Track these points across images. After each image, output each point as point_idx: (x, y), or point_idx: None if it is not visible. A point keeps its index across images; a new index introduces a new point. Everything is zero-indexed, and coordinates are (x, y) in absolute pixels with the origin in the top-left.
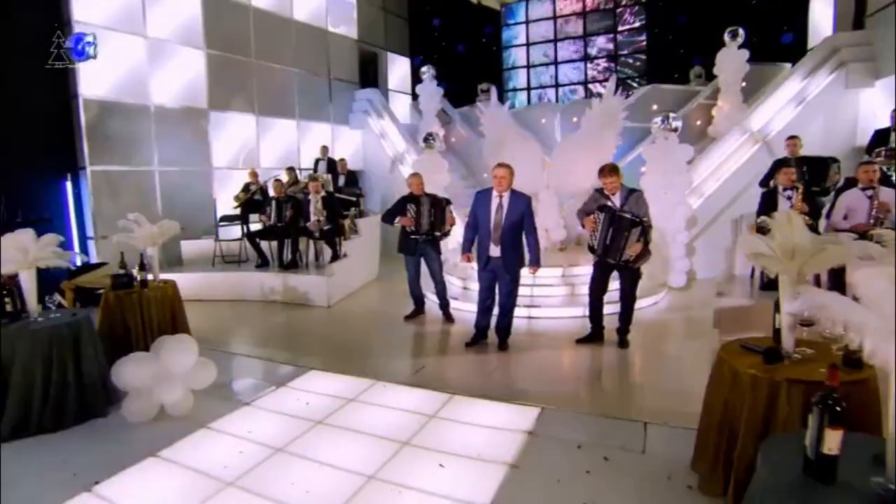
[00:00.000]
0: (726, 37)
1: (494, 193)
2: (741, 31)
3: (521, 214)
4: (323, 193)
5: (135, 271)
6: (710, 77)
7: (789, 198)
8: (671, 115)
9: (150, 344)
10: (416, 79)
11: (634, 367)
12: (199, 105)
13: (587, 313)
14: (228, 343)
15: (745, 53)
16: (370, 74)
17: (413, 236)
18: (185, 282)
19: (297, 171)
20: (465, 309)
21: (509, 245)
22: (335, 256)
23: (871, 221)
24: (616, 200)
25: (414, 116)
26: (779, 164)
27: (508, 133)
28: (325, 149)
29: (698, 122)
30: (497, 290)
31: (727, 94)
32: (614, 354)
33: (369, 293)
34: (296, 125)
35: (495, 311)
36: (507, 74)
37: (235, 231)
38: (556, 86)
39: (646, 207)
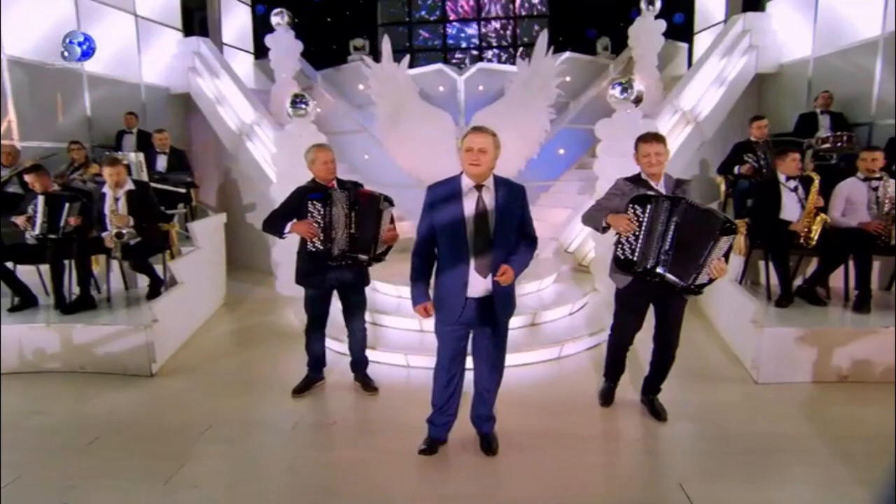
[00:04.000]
0: (643, 4)
1: (467, 182)
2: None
3: (518, 216)
4: (129, 186)
5: None
6: (615, 50)
7: (795, 189)
8: (633, 80)
9: None
10: (259, 32)
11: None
12: None
13: (605, 361)
14: None
15: (662, 25)
16: (197, 21)
17: (321, 258)
18: None
19: (85, 149)
20: (416, 366)
21: (498, 267)
22: (155, 288)
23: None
24: (661, 188)
25: (259, 80)
26: (741, 148)
27: (410, 101)
28: (132, 117)
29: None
30: (476, 357)
31: (643, 69)
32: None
33: (218, 337)
34: (84, 79)
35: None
36: (382, 33)
37: None
38: (445, 49)
39: None
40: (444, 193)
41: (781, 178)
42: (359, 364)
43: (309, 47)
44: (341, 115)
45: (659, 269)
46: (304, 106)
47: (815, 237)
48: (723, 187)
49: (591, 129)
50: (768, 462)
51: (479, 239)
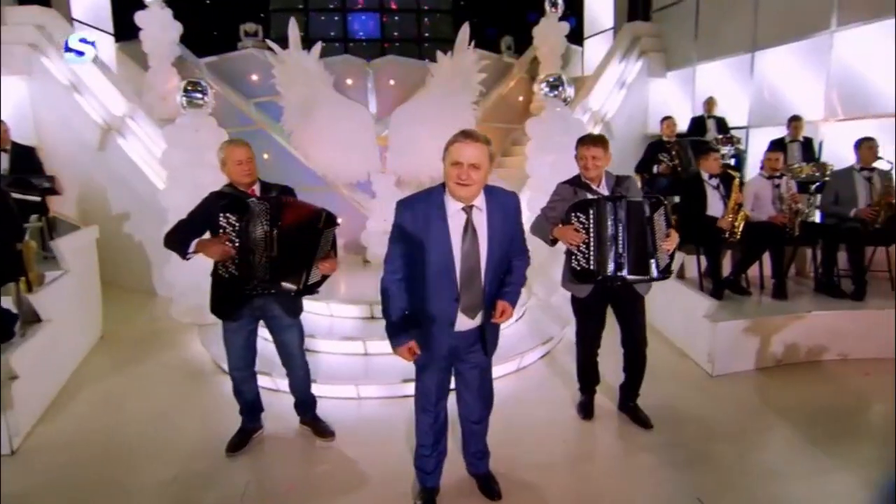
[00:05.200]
0: (547, 6)
1: (452, 204)
2: (560, 2)
3: (511, 234)
4: None
5: None
6: (518, 50)
7: (717, 187)
8: (563, 78)
9: None
10: (121, 9)
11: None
12: None
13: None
14: None
15: (566, 27)
16: None
17: (238, 285)
18: None
19: None
20: (369, 397)
21: (491, 302)
22: (6, 330)
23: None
24: (603, 190)
25: (124, 66)
26: (656, 148)
27: (322, 93)
28: None
29: (520, 98)
30: (462, 388)
31: (548, 69)
32: (671, 450)
33: (103, 385)
34: None
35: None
36: (276, 20)
37: None
38: (346, 40)
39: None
40: (424, 214)
41: (704, 176)
42: (306, 405)
43: (188, 31)
44: (233, 109)
45: (621, 273)
46: (200, 95)
47: (739, 232)
48: (638, 185)
49: (502, 127)
50: (766, 453)
51: (467, 273)
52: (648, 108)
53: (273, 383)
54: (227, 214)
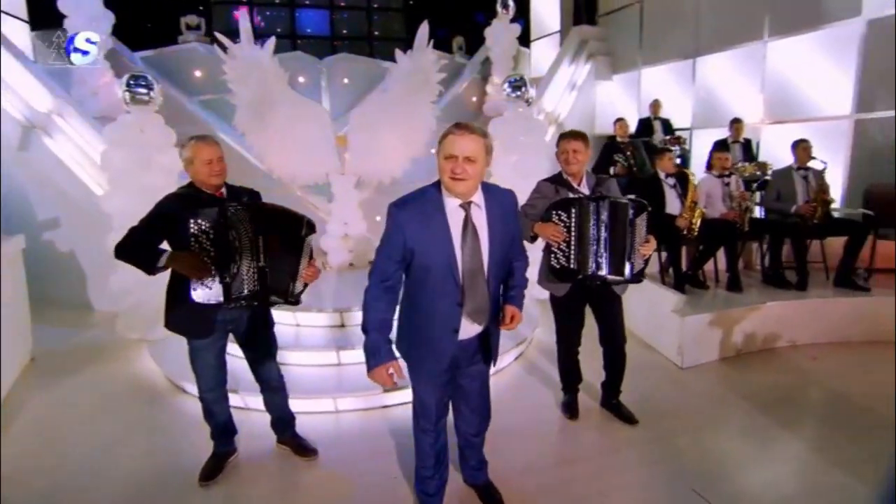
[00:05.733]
0: (499, 7)
1: (449, 200)
2: (511, 4)
3: (512, 234)
4: None
5: None
6: (468, 51)
7: (674, 186)
8: (525, 79)
9: None
10: None
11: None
12: None
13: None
14: None
15: (518, 29)
16: None
17: (206, 299)
18: None
19: None
20: (347, 410)
21: (495, 306)
22: None
23: (735, 209)
24: (584, 189)
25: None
26: (610, 149)
27: (278, 91)
28: None
29: (473, 99)
30: (460, 401)
31: (500, 71)
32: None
33: (34, 413)
34: None
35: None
36: (217, 13)
37: None
38: (295, 37)
39: None
40: (420, 214)
41: (661, 175)
42: (284, 422)
43: (120, 23)
44: (176, 107)
45: (601, 273)
46: (146, 91)
47: (696, 229)
48: (616, 186)
49: None
50: (751, 438)
51: (470, 275)
52: (596, 110)
53: (242, 401)
54: (199, 221)
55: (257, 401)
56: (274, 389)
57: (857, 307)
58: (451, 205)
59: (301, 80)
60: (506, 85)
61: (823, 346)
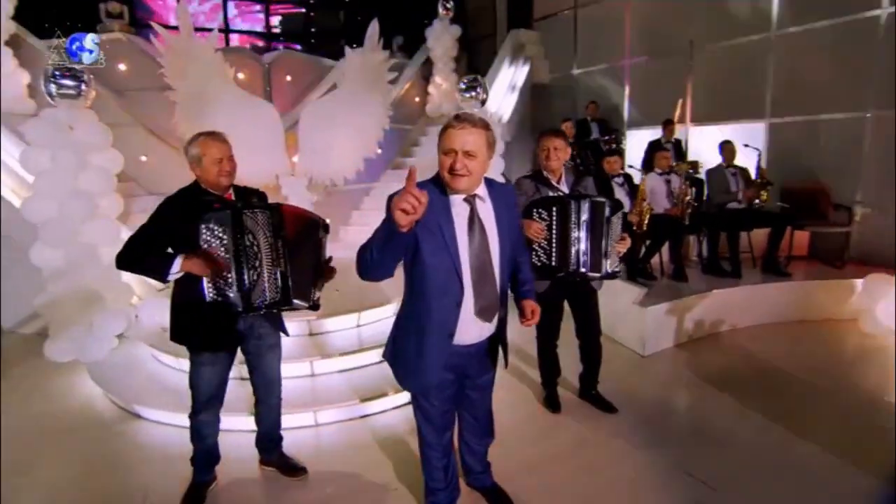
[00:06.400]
0: (440, 8)
1: (454, 195)
2: (452, 4)
3: (517, 228)
4: None
5: None
6: (408, 51)
7: (622, 184)
8: (479, 79)
9: None
10: None
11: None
12: None
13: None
14: None
15: (459, 30)
16: None
17: (228, 308)
18: None
19: None
20: (327, 423)
21: (503, 305)
22: None
23: (677, 205)
24: (563, 186)
25: None
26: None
27: (222, 87)
28: None
29: (416, 99)
30: (465, 409)
31: (442, 71)
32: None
33: None
34: None
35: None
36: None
37: None
38: (227, 31)
39: None
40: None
41: (656, 171)
42: (274, 441)
43: (24, 6)
44: (99, 102)
45: (582, 270)
46: (74, 83)
47: (646, 224)
48: (593, 184)
49: (404, 128)
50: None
51: (478, 272)
52: (536, 112)
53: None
54: (211, 226)
55: (233, 421)
56: (274, 404)
57: (782, 291)
58: (456, 199)
59: (241, 76)
60: (461, 85)
61: (757, 327)
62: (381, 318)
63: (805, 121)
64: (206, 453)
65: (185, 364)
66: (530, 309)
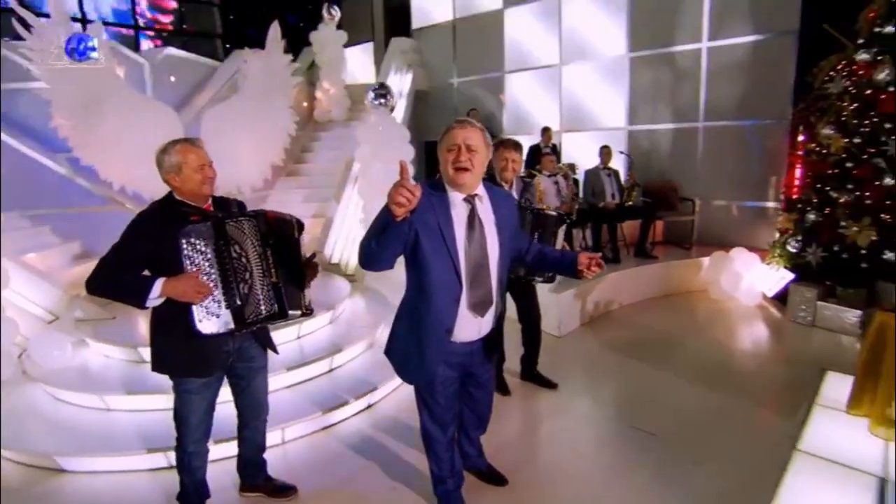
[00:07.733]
0: (324, 13)
1: (454, 195)
2: (337, 9)
3: (516, 226)
4: None
5: None
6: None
7: (556, 183)
8: (388, 86)
9: None
10: None
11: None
12: None
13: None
14: None
15: (345, 35)
16: None
17: (216, 329)
18: None
19: None
20: (294, 438)
21: (501, 302)
22: None
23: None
24: (514, 193)
25: None
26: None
27: (112, 88)
28: None
29: (304, 104)
30: (464, 403)
31: (330, 76)
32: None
33: None
34: None
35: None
36: None
37: None
38: (83, 21)
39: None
40: (426, 203)
41: (545, 174)
42: (259, 465)
43: None
44: None
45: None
46: None
47: (574, 217)
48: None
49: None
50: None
51: (475, 267)
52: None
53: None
54: (193, 240)
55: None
56: (261, 427)
57: (653, 271)
58: (456, 199)
59: (119, 74)
60: (370, 92)
61: (639, 303)
62: (321, 327)
63: (651, 130)
64: (196, 487)
65: (95, 400)
66: (586, 261)
